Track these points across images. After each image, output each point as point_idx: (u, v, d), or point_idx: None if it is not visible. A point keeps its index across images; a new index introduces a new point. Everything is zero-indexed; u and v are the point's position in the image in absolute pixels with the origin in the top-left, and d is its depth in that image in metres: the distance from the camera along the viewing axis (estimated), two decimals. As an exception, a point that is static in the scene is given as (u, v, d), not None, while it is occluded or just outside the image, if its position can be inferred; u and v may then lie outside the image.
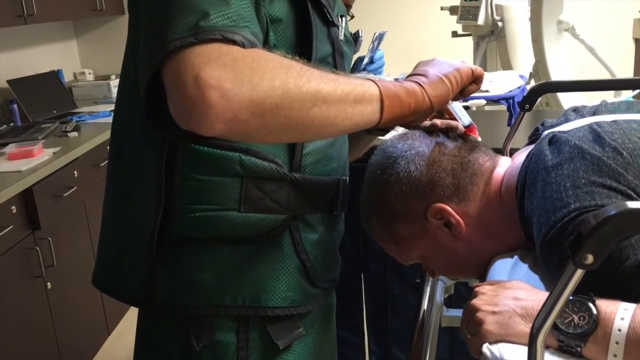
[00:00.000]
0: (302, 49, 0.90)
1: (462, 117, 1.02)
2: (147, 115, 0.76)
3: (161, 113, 0.74)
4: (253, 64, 0.70)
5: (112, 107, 3.41)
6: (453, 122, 1.01)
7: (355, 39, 1.10)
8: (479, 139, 1.03)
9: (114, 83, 3.77)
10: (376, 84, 0.82)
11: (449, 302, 1.38)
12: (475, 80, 0.95)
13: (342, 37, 1.00)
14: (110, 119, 3.49)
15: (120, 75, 0.97)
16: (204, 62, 0.68)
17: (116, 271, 1.00)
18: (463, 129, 1.01)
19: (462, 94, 0.95)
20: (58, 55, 3.85)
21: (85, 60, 4.12)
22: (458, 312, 1.30)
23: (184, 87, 0.68)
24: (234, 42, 0.71)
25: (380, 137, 1.24)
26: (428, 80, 0.88)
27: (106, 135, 2.92)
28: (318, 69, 0.78)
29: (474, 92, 0.97)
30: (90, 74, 3.98)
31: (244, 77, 0.69)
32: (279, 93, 0.71)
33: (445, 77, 0.90)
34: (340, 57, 0.98)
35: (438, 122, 1.01)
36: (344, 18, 1.03)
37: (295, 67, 0.74)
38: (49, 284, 2.40)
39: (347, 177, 1.04)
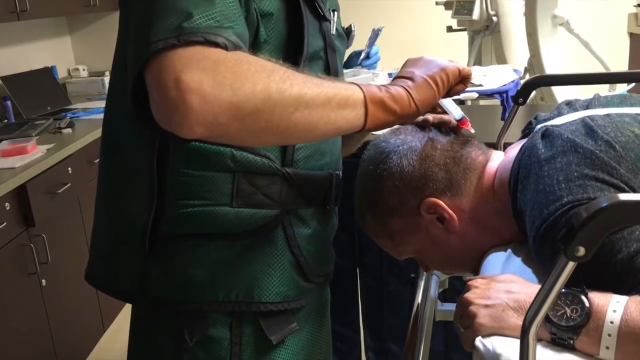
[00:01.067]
0: (294, 44, 0.90)
1: (453, 111, 1.02)
2: (136, 114, 0.76)
3: (150, 112, 0.73)
4: (235, 67, 0.70)
5: (106, 103, 3.40)
6: (445, 117, 1.01)
7: (347, 33, 1.09)
8: (472, 131, 1.03)
9: (108, 79, 3.75)
10: (361, 89, 0.82)
11: (444, 297, 1.38)
12: (463, 79, 0.94)
13: (334, 31, 1.00)
14: (104, 115, 3.40)
15: (112, 70, 0.96)
16: (185, 65, 0.68)
17: (109, 267, 1.00)
18: (455, 123, 1.01)
19: (449, 93, 0.94)
20: (52, 52, 3.83)
21: (79, 57, 4.11)
22: (452, 306, 1.30)
23: (165, 90, 0.68)
24: (216, 45, 0.71)
25: (374, 132, 1.24)
26: (414, 84, 0.88)
27: (100, 131, 2.90)
28: (302, 73, 0.77)
29: (460, 91, 0.97)
30: (84, 70, 3.97)
31: (225, 81, 0.69)
32: (261, 97, 0.71)
33: (431, 78, 0.89)
34: (332, 51, 0.98)
35: (430, 117, 1.01)
36: (336, 12, 1.03)
37: (278, 71, 0.74)
38: (43, 281, 2.40)
39: (340, 172, 1.04)
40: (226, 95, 0.69)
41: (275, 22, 0.87)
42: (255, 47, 0.85)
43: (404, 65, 0.94)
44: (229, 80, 0.69)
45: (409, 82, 0.88)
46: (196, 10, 0.72)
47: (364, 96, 0.81)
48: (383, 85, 0.86)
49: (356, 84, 0.82)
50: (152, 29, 0.71)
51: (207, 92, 0.68)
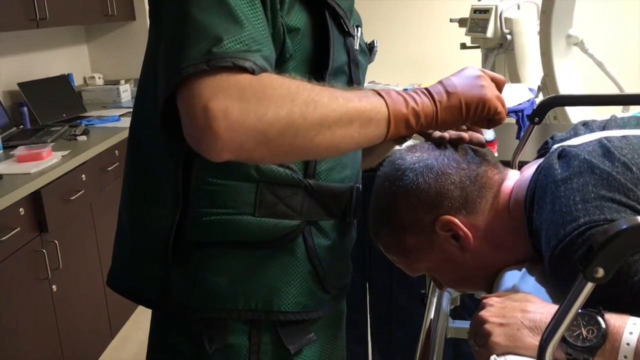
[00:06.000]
0: (319, 58, 0.91)
1: (487, 131, 1.02)
2: (165, 130, 0.79)
3: (178, 125, 0.76)
4: (259, 93, 0.73)
5: (121, 111, 3.44)
6: (463, 134, 1.01)
7: (370, 49, 1.10)
8: (496, 154, 1.03)
9: (124, 88, 3.79)
10: (387, 104, 0.83)
11: (454, 314, 1.38)
12: (492, 119, 0.92)
13: (357, 47, 1.01)
14: (118, 124, 3.49)
15: (140, 79, 0.98)
16: (212, 94, 0.71)
17: (132, 273, 1.01)
18: (484, 142, 1.01)
19: (472, 123, 0.94)
20: (69, 60, 3.88)
21: (96, 65, 4.15)
22: (464, 324, 1.30)
23: (194, 117, 0.72)
24: (243, 69, 0.73)
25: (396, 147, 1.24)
26: (447, 103, 0.88)
27: (115, 139, 2.94)
28: (329, 89, 0.79)
29: (479, 130, 0.98)
30: (100, 78, 4.00)
31: (250, 108, 0.72)
32: (284, 123, 0.74)
33: (467, 104, 0.88)
34: (355, 66, 0.99)
35: (447, 134, 1.01)
36: (359, 28, 1.04)
37: (302, 93, 0.76)
38: (54, 286, 2.42)
39: (360, 185, 1.05)
40: (251, 123, 0.72)
41: (302, 37, 0.89)
42: (281, 61, 0.87)
43: (457, 73, 0.92)
44: (254, 107, 0.72)
45: (444, 98, 0.88)
46: (226, 34, 0.74)
47: (388, 114, 0.83)
48: (413, 94, 0.86)
49: (383, 97, 0.83)
50: (183, 54, 0.73)
51: (233, 120, 0.71)
